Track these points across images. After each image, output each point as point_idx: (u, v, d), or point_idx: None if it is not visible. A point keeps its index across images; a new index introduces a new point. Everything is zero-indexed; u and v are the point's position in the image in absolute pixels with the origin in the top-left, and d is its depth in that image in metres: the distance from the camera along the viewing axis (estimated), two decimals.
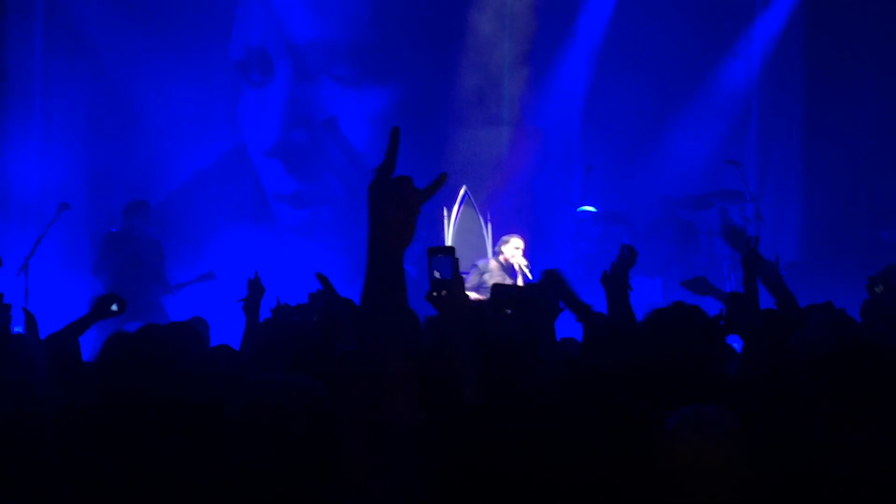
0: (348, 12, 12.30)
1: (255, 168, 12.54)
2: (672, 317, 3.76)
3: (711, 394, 3.20)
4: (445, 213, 11.19)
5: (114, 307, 5.03)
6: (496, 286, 5.03)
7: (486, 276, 9.63)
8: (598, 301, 5.07)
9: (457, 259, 3.11)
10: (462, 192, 11.27)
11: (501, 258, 9.87)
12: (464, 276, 10.52)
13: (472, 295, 9.46)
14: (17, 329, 5.49)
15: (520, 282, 9.39)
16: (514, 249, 9.82)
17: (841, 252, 11.89)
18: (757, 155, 12.99)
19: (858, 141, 12.37)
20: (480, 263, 9.85)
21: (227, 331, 6.03)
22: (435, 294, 3.09)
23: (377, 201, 2.27)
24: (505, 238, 10.08)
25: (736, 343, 4.72)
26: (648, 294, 10.93)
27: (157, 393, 2.92)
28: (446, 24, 12.39)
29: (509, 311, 4.57)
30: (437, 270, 3.05)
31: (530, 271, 9.52)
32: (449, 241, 10.95)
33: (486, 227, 10.68)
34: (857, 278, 6.90)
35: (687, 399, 2.89)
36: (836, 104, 12.37)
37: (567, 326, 4.95)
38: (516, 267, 9.68)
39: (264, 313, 5.35)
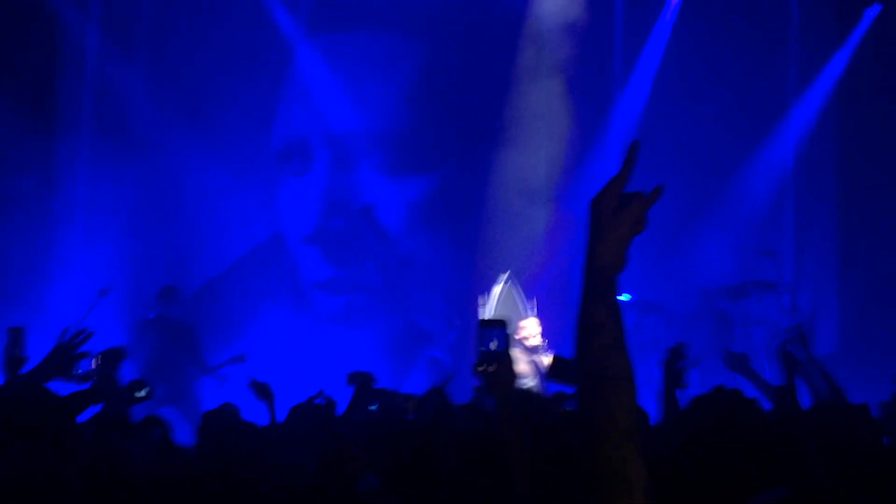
0: (387, 103, 12.53)
1: (293, 255, 12.68)
2: (713, 403, 3.69)
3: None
4: (481, 301, 11.17)
5: (140, 393, 4.98)
6: (557, 358, 4.84)
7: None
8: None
9: (509, 335, 3.02)
10: (504, 277, 11.22)
11: (523, 344, 9.83)
12: None
13: None
14: None
15: (544, 360, 9.32)
16: (522, 331, 9.74)
17: (879, 344, 11.77)
18: (793, 245, 12.96)
19: (895, 231, 12.32)
20: None
21: (261, 413, 6.06)
22: (481, 369, 2.96)
23: (604, 217, 2.04)
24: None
25: None
26: None
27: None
28: (483, 117, 12.58)
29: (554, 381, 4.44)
30: (493, 342, 2.93)
31: (546, 348, 9.42)
32: None
33: (532, 313, 10.61)
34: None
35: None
36: (872, 194, 12.36)
37: None
38: (532, 346, 9.56)
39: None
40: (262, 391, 5.48)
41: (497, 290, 11.15)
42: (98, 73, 11.90)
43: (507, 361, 2.99)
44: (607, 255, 2.04)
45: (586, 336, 1.98)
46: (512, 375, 2.99)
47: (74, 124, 11.80)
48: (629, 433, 1.90)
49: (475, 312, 11.96)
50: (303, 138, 12.65)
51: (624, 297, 11.75)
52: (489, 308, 11.01)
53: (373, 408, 5.42)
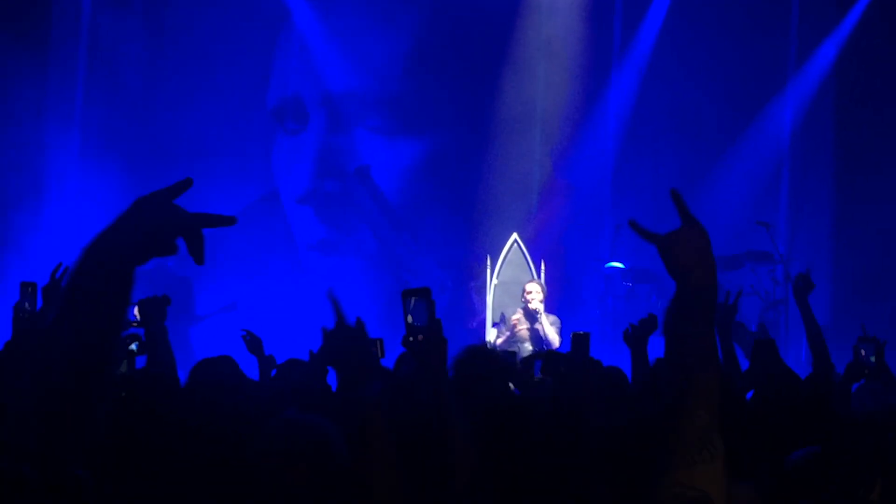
0: (384, 65, 12.45)
1: (287, 215, 12.64)
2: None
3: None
4: (489, 261, 11.07)
5: (133, 346, 5.00)
6: (535, 355, 4.85)
7: (516, 329, 9.51)
8: (624, 359, 5.10)
9: (433, 302, 2.95)
10: (511, 240, 11.15)
11: (526, 308, 9.79)
12: (495, 327, 10.30)
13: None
14: None
15: (545, 326, 9.23)
16: (526, 294, 9.65)
17: (870, 316, 11.78)
18: (787, 217, 12.96)
19: (888, 204, 12.32)
20: (508, 313, 9.79)
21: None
22: (411, 339, 2.87)
23: (682, 259, 2.30)
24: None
25: None
26: None
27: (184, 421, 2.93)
28: (480, 80, 12.51)
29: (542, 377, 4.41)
30: (412, 315, 2.88)
31: (543, 311, 9.31)
32: (491, 290, 10.85)
33: (540, 277, 10.56)
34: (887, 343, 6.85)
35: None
36: (867, 167, 12.36)
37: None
38: (532, 310, 9.46)
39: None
40: (254, 345, 5.49)
41: (504, 251, 11.08)
42: (92, 25, 11.79)
43: (434, 331, 2.87)
44: (698, 286, 2.30)
45: (689, 342, 2.27)
46: (442, 345, 2.85)
47: (68, 78, 11.71)
48: (714, 408, 2.15)
49: (467, 275, 11.94)
50: (298, 97, 12.57)
51: (618, 265, 11.74)
52: (496, 269, 10.97)
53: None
